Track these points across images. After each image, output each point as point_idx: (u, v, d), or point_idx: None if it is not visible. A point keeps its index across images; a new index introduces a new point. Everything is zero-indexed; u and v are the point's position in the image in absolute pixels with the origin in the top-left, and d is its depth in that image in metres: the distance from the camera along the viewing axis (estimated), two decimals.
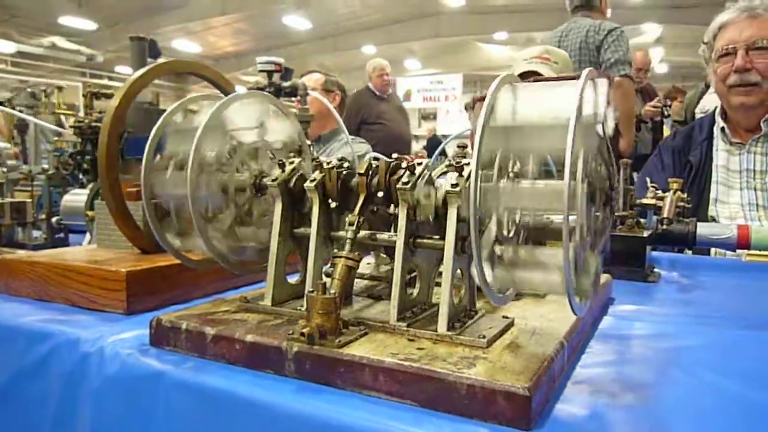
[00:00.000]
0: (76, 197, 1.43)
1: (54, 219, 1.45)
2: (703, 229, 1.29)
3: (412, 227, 0.69)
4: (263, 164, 0.83)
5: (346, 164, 0.75)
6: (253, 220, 0.82)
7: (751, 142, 1.81)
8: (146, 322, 0.76)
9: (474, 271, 0.60)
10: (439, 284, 0.70)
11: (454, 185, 0.65)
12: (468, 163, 0.67)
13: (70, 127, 1.79)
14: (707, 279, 1.21)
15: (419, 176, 0.69)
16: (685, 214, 1.19)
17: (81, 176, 1.69)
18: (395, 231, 0.73)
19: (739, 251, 1.36)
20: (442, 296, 0.65)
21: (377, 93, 4.62)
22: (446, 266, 0.65)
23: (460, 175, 0.66)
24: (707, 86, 2.96)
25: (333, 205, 0.75)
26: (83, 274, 0.87)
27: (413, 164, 0.69)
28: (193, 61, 1.23)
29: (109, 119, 1.03)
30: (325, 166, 0.73)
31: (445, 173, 0.78)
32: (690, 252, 1.58)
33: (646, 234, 1.16)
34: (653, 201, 1.18)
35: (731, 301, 1.06)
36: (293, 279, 0.80)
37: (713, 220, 1.88)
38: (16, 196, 1.63)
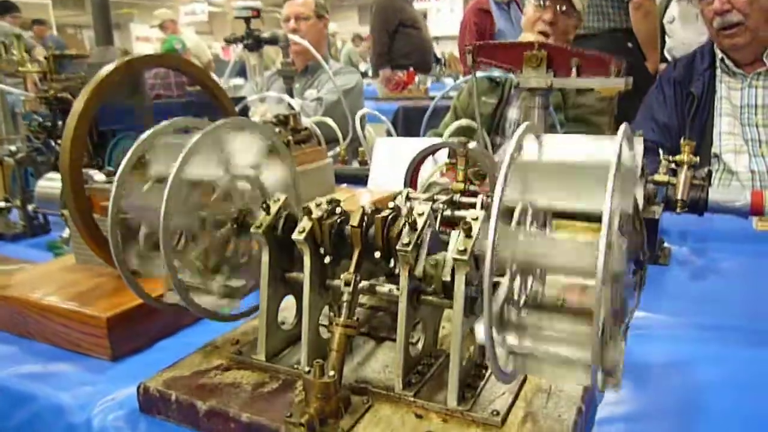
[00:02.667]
0: (50, 182, 1.32)
1: (30, 207, 1.36)
2: (715, 195, 1.22)
3: (414, 284, 0.63)
4: (249, 201, 0.74)
5: (338, 209, 0.67)
6: (232, 260, 0.75)
7: (753, 75, 1.75)
8: (135, 370, 0.73)
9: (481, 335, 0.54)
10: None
11: (461, 251, 0.57)
12: (476, 218, 0.59)
13: (37, 97, 1.64)
14: (719, 255, 1.16)
15: (420, 233, 0.61)
16: (702, 188, 1.11)
17: (54, 144, 1.57)
18: (395, 281, 0.67)
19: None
20: (452, 367, 0.60)
21: None
22: (455, 336, 0.60)
23: (468, 237, 0.58)
24: None
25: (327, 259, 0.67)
26: (63, 317, 0.81)
27: (414, 219, 0.61)
28: (174, 55, 1.09)
29: (73, 122, 0.90)
30: (314, 215, 0.65)
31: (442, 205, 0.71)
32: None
33: (658, 215, 1.09)
34: (666, 178, 1.10)
35: (752, 296, 1.00)
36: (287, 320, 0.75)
37: (716, 157, 1.81)
38: None
